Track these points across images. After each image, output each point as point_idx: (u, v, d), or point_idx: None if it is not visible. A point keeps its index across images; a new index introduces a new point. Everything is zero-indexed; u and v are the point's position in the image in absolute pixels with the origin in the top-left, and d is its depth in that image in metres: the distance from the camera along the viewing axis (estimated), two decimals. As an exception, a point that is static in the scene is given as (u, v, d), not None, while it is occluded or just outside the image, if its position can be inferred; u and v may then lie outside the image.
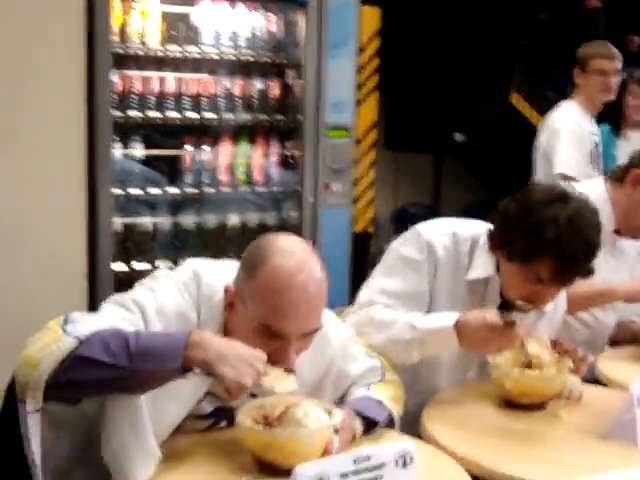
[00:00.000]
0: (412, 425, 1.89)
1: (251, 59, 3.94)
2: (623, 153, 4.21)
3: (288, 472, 1.47)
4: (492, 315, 1.86)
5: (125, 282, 3.64)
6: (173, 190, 3.85)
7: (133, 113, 3.68)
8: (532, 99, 5.58)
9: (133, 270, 3.73)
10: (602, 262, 2.05)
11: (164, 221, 3.90)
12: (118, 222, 3.69)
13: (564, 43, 5.91)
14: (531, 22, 5.88)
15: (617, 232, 2.59)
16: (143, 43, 3.67)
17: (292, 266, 1.53)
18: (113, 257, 3.61)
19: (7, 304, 3.23)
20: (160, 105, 3.76)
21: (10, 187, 3.23)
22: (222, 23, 3.86)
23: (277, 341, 1.54)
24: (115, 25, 3.54)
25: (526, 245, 1.89)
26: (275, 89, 4.04)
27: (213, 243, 4.00)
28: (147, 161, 3.82)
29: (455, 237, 2.09)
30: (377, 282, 2.10)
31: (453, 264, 2.08)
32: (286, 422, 1.52)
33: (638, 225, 2.56)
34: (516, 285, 1.96)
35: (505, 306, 2.00)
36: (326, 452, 1.52)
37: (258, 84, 4.00)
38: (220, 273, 1.68)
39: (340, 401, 1.81)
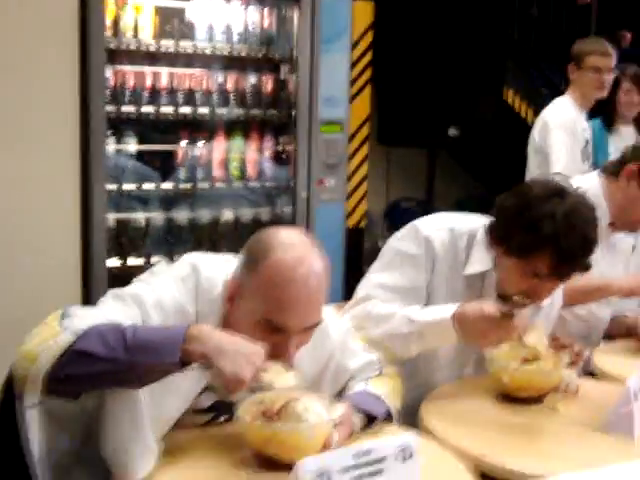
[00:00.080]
0: (409, 418, 1.90)
1: (244, 54, 3.93)
2: (615, 148, 4.25)
3: (288, 466, 1.48)
4: (490, 306, 1.86)
5: (119, 278, 3.63)
6: (166, 185, 3.83)
7: (126, 108, 3.66)
8: (525, 95, 5.59)
9: (127, 266, 3.73)
10: (599, 257, 2.05)
11: (157, 216, 3.89)
12: (111, 218, 3.67)
13: (556, 39, 5.93)
14: (523, 18, 5.89)
15: (612, 226, 2.60)
16: (136, 38, 3.65)
17: (293, 260, 1.54)
18: (107, 253, 3.59)
19: (1, 300, 3.22)
20: (153, 100, 3.75)
21: (3, 183, 3.22)
22: (216, 18, 3.84)
23: (278, 335, 1.54)
24: (108, 20, 3.52)
25: (524, 240, 1.90)
26: (268, 84, 4.03)
27: (206, 238, 3.99)
28: (140, 156, 3.81)
29: (452, 232, 2.09)
30: (375, 277, 2.11)
31: (451, 259, 2.08)
32: (286, 417, 1.52)
33: (634, 219, 2.57)
34: (514, 280, 1.96)
35: (502, 301, 2.00)
36: (326, 446, 1.53)
37: (252, 79, 3.99)
38: (219, 267, 1.68)
39: (338, 395, 1.82)
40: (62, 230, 3.39)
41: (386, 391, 1.81)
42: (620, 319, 2.72)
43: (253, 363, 1.43)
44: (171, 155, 3.89)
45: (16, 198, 3.26)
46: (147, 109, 3.72)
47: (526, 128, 5.25)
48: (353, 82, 4.55)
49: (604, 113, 4.36)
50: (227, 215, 4.04)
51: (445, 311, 1.92)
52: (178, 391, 1.59)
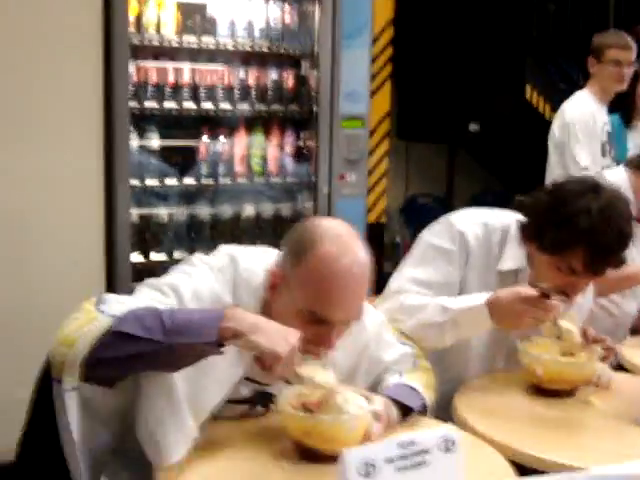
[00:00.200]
0: (440, 412, 1.90)
1: (266, 50, 3.92)
2: (634, 144, 4.24)
3: (328, 457, 1.50)
4: (526, 288, 1.87)
5: (142, 273, 3.66)
6: (188, 181, 3.85)
7: (149, 104, 3.67)
8: (543, 90, 5.57)
9: (149, 261, 3.74)
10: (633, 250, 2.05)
11: (179, 212, 3.90)
12: (134, 213, 3.69)
13: (573, 34, 5.91)
14: (541, 13, 5.87)
15: (637, 220, 2.60)
16: (159, 34, 3.66)
17: (340, 253, 1.54)
18: (133, 249, 3.61)
19: (27, 296, 3.24)
20: (176, 96, 3.76)
21: (29, 180, 3.23)
22: (237, 14, 3.85)
23: (320, 326, 1.55)
24: (131, 16, 3.53)
25: (559, 236, 1.90)
26: (289, 80, 4.03)
27: (228, 234, 3.99)
28: (162, 152, 3.82)
29: (487, 227, 2.09)
30: (408, 272, 2.11)
31: (484, 254, 2.08)
32: (327, 408, 1.53)
33: None
34: (548, 276, 1.96)
35: None
36: (365, 438, 1.54)
37: (273, 74, 3.99)
38: (257, 258, 1.69)
39: (372, 387, 1.83)
40: (86, 226, 3.40)
41: (421, 383, 1.82)
42: None
43: (289, 341, 1.44)
44: (193, 151, 3.90)
45: (41, 194, 3.28)
46: (169, 105, 3.73)
47: (544, 123, 5.25)
48: (373, 77, 4.54)
49: (622, 109, 4.34)
50: (248, 210, 4.04)
51: (479, 298, 1.93)
52: (217, 380, 1.58)
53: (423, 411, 1.80)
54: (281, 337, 1.44)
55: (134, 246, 3.67)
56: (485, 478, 1.44)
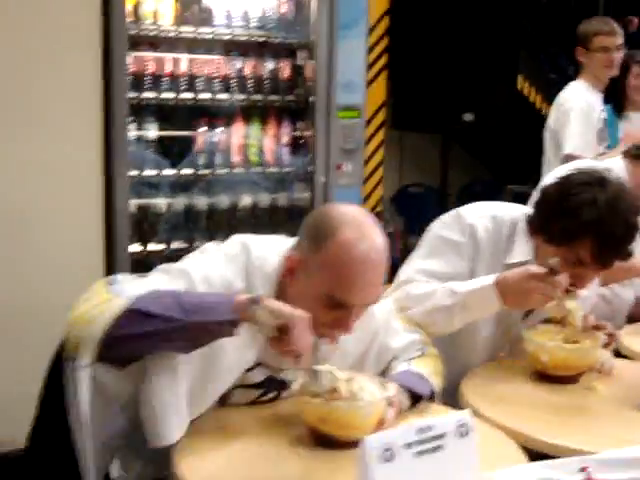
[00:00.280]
0: (448, 399, 1.93)
1: (262, 40, 3.94)
2: (628, 130, 4.28)
3: (343, 443, 1.53)
4: (534, 266, 1.91)
5: (140, 263, 3.67)
6: (186, 171, 3.86)
7: (146, 95, 3.68)
8: (534, 81, 5.61)
9: (147, 251, 3.76)
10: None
11: (177, 202, 3.91)
12: (132, 204, 3.70)
13: (564, 24, 5.94)
14: (532, 4, 5.89)
15: None
16: (156, 24, 3.66)
17: (358, 239, 1.57)
18: (131, 239, 3.62)
19: (27, 286, 3.25)
20: (173, 86, 3.77)
21: (28, 171, 3.23)
22: (234, 4, 3.86)
23: (339, 310, 1.59)
24: (129, 6, 3.53)
25: (566, 227, 1.93)
26: (286, 70, 4.04)
27: (225, 224, 4.01)
28: (160, 142, 3.83)
29: (495, 220, 2.12)
30: (418, 263, 2.13)
31: (493, 247, 2.10)
32: (344, 395, 1.55)
33: None
34: None
35: None
36: (380, 424, 1.57)
37: (269, 65, 4.00)
38: (270, 246, 1.73)
39: (382, 375, 1.85)
40: (85, 216, 3.40)
41: (429, 371, 1.85)
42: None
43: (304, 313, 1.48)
44: (190, 141, 3.91)
45: (40, 185, 3.28)
46: (167, 95, 3.74)
47: (535, 114, 5.28)
48: (369, 67, 4.56)
49: (614, 99, 4.38)
50: (245, 200, 4.06)
51: (486, 279, 1.96)
52: (228, 364, 1.62)
53: (431, 398, 1.83)
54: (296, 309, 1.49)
55: (132, 236, 3.68)
56: (497, 463, 1.47)
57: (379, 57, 4.81)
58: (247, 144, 4.02)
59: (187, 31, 3.74)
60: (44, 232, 3.29)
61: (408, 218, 5.71)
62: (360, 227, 1.60)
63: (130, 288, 1.52)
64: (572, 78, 4.19)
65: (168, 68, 3.76)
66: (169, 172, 3.80)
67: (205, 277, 1.62)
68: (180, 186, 3.92)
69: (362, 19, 4.09)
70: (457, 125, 5.25)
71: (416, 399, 1.78)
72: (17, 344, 3.17)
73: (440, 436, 1.37)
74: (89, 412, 1.50)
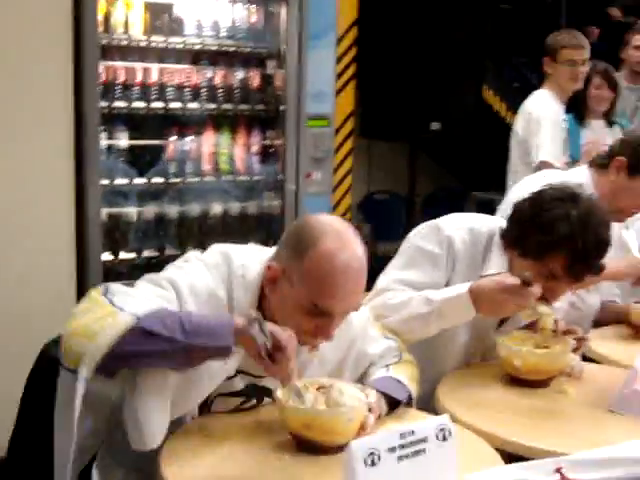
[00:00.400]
0: (423, 405, 1.98)
1: (233, 49, 3.97)
2: (590, 139, 4.39)
3: (326, 449, 1.57)
4: (508, 277, 1.96)
5: (111, 272, 3.68)
6: (156, 180, 3.87)
7: (117, 104, 3.69)
8: (498, 90, 5.71)
9: (119, 260, 3.76)
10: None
11: (148, 211, 3.92)
12: (104, 212, 3.69)
13: (528, 34, 6.05)
14: (497, 14, 6.00)
15: None
16: (127, 34, 3.67)
17: (339, 249, 1.61)
18: (102, 248, 3.62)
19: (-1, 295, 3.24)
20: (144, 95, 3.78)
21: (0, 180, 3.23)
22: (204, 14, 3.88)
23: (320, 318, 1.63)
24: (100, 16, 3.54)
25: (539, 241, 1.98)
26: (256, 79, 4.07)
27: (195, 232, 4.03)
28: (131, 151, 3.83)
29: (473, 232, 2.16)
30: (394, 273, 2.17)
31: (470, 259, 2.14)
32: (325, 402, 1.59)
33: (621, 207, 2.67)
34: None
35: None
36: (361, 429, 1.60)
37: (240, 74, 4.03)
38: (251, 254, 1.76)
39: (359, 381, 1.89)
40: (57, 225, 3.40)
41: (406, 377, 1.89)
42: (608, 306, 2.84)
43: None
44: (161, 150, 3.92)
45: (10, 194, 3.27)
46: (137, 104, 3.75)
47: (499, 122, 5.38)
48: (338, 77, 4.61)
49: (575, 109, 4.49)
50: (216, 209, 4.08)
51: (461, 287, 2.01)
52: (209, 372, 1.64)
53: (409, 403, 1.87)
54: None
55: (103, 245, 3.67)
56: (474, 466, 1.51)
57: (347, 67, 4.87)
58: (217, 153, 4.04)
59: (157, 40, 3.75)
60: (16, 241, 3.28)
61: (376, 225, 5.78)
62: (341, 237, 1.64)
63: (131, 302, 1.55)
64: (536, 87, 4.28)
65: (139, 77, 3.77)
66: (140, 181, 3.81)
67: (191, 287, 1.66)
68: (151, 195, 3.92)
69: (331, 29, 4.15)
70: (424, 134, 5.33)
71: (394, 404, 1.82)
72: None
73: (422, 440, 1.42)
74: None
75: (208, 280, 1.69)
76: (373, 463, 1.33)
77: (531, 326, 2.17)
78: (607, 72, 4.47)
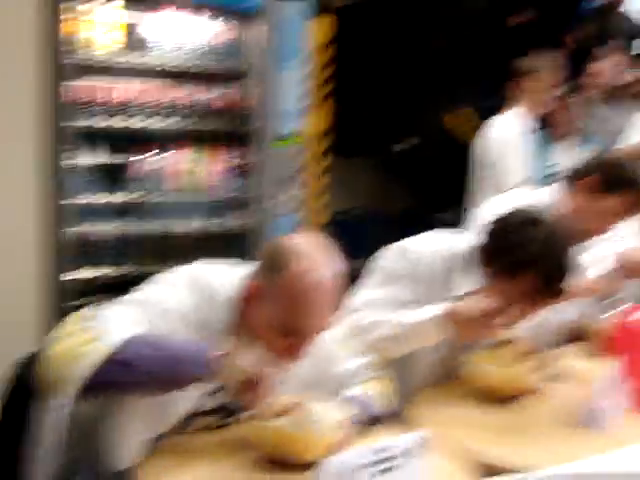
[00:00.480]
0: (395, 421, 1.98)
1: (201, 68, 3.98)
2: (556, 160, 4.45)
3: (302, 466, 1.57)
4: (483, 301, 1.97)
5: (74, 290, 3.64)
6: (120, 198, 3.85)
7: (83, 122, 3.67)
8: (463, 112, 5.74)
9: (82, 278, 3.73)
10: None
11: (111, 229, 3.89)
12: (69, 231, 3.66)
13: (492, 57, 6.12)
14: (463, 37, 6.05)
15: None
16: (91, 53, 3.66)
17: (311, 270, 1.62)
18: (64, 266, 3.59)
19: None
20: (110, 114, 3.76)
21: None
22: (172, 33, 3.89)
23: (293, 337, 1.65)
24: (64, 35, 3.52)
25: (508, 263, 2.00)
26: (226, 98, 4.08)
27: (159, 250, 4.01)
28: (95, 170, 3.81)
29: (441, 253, 2.17)
30: (364, 294, 2.19)
31: (438, 280, 2.15)
32: (298, 419, 1.59)
33: (587, 228, 2.69)
34: (498, 301, 2.02)
35: None
36: (335, 446, 1.61)
37: (208, 93, 4.04)
38: (224, 273, 1.77)
39: (332, 399, 1.89)
40: (22, 243, 3.38)
41: (379, 393, 1.91)
42: (567, 325, 2.86)
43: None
44: (125, 168, 3.90)
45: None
46: (104, 123, 3.74)
47: (459, 144, 5.41)
48: (311, 96, 4.60)
49: (542, 127, 4.55)
50: (181, 227, 4.06)
51: (434, 310, 2.02)
52: (182, 392, 1.64)
53: (381, 419, 1.88)
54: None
55: (68, 263, 3.65)
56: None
57: (320, 86, 4.84)
58: (184, 171, 4.03)
59: (123, 60, 3.75)
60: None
61: (343, 243, 5.75)
62: (312, 257, 1.65)
63: (110, 327, 1.56)
64: (499, 110, 4.31)
65: (105, 96, 3.75)
66: (106, 199, 3.79)
67: (164, 309, 1.67)
68: (116, 213, 3.90)
69: (301, 51, 4.15)
70: (390, 154, 5.36)
71: (367, 421, 1.82)
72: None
73: (394, 457, 1.43)
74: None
75: (179, 300, 1.69)
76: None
77: (498, 344, 2.19)
78: (570, 95, 4.55)
